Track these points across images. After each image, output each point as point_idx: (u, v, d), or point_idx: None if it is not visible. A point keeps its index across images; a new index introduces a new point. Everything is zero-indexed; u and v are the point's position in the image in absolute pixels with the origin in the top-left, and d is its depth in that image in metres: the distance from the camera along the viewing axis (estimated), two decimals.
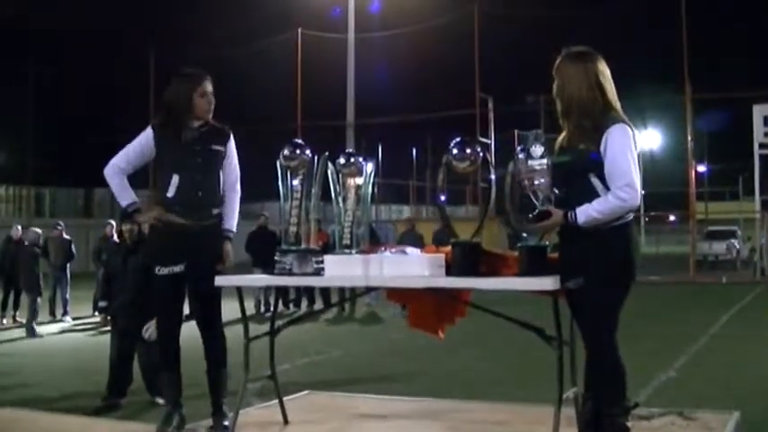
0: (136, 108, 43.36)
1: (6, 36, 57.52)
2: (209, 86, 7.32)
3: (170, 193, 7.21)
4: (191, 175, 7.23)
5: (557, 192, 5.73)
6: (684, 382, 11.04)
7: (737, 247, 44.12)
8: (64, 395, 10.72)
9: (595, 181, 5.60)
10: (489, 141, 39.51)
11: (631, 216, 5.69)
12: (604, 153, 5.56)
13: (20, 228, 20.86)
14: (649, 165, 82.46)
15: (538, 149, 5.86)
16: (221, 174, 7.35)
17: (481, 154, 6.33)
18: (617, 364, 5.83)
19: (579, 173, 5.67)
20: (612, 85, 5.85)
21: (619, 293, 5.71)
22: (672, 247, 60.32)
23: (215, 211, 7.28)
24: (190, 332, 7.45)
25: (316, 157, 7.04)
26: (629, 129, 5.63)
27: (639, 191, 5.55)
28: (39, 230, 20.21)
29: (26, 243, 19.55)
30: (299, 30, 41.40)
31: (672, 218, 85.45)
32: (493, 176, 6.35)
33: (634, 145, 5.63)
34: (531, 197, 5.84)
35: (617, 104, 5.79)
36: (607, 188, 5.56)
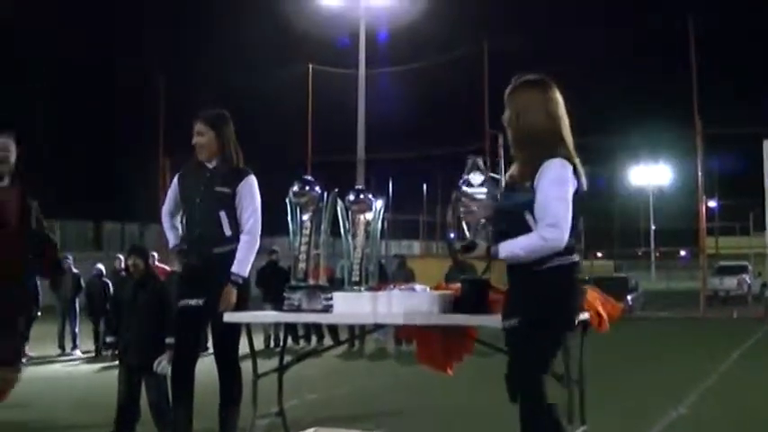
0: (146, 140, 43.55)
1: (14, 66, 57.76)
2: (195, 127, 7.54)
3: (182, 231, 7.67)
4: (192, 215, 7.55)
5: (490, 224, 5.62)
6: (695, 419, 10.97)
7: (749, 282, 44.02)
8: (72, 429, 10.71)
9: (529, 218, 5.37)
10: (499, 177, 39.50)
11: (574, 258, 5.47)
12: (537, 188, 5.33)
13: None
14: (659, 200, 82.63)
15: (477, 177, 5.81)
16: (226, 214, 7.41)
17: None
18: (547, 419, 5.45)
19: (514, 208, 5.49)
20: (566, 115, 5.63)
21: (548, 339, 5.43)
22: (682, 282, 60.17)
23: (216, 250, 7.36)
24: (204, 367, 7.46)
25: (325, 194, 7.06)
26: (566, 164, 5.38)
27: (566, 231, 5.28)
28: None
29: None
30: (310, 65, 41.54)
31: (682, 253, 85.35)
32: None
33: (570, 182, 5.37)
34: (465, 227, 5.79)
35: (569, 137, 5.57)
36: None
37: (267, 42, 57.20)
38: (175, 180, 7.79)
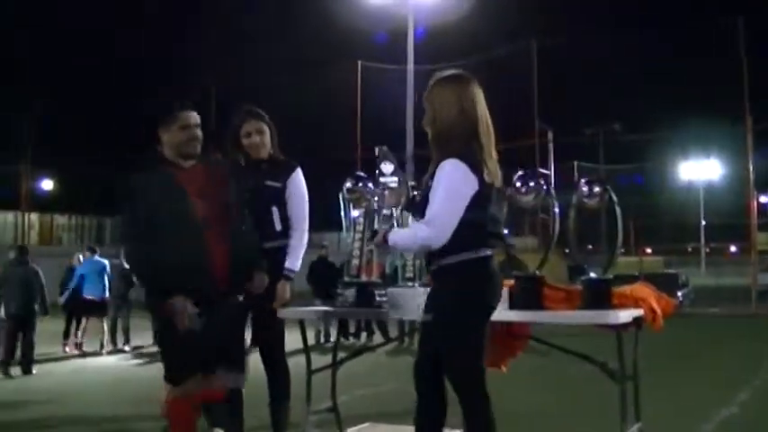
0: None
1: (70, 67, 58.43)
2: (252, 125, 7.44)
3: None
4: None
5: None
6: (747, 417, 10.91)
7: None
8: (123, 424, 10.82)
9: None
10: (549, 173, 39.44)
11: (484, 252, 5.49)
12: (431, 187, 5.46)
13: (80, 257, 21.07)
14: (710, 195, 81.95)
15: (388, 167, 5.86)
16: (277, 209, 7.36)
17: (544, 187, 6.34)
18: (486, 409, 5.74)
19: (421, 206, 5.58)
20: (486, 112, 5.65)
21: (460, 334, 5.49)
22: (732, 278, 59.50)
23: (266, 245, 7.22)
24: (253, 362, 7.49)
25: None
26: (458, 164, 5.39)
27: (440, 230, 5.35)
28: None
29: None
30: (359, 61, 41.59)
31: (732, 249, 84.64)
32: (557, 209, 6.35)
33: (460, 182, 5.40)
34: (375, 215, 5.86)
35: (487, 133, 5.60)
36: None
37: (314, 39, 57.42)
38: None
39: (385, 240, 5.64)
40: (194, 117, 6.62)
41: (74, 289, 20.31)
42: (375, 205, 6.03)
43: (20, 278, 16.91)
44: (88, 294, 20.25)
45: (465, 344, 5.50)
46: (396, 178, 5.94)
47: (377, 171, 6.09)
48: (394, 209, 5.94)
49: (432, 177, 5.49)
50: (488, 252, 5.53)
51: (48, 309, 17.28)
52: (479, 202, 5.44)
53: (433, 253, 5.50)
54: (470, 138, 5.51)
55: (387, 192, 5.91)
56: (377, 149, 6.16)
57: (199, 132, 6.61)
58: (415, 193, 6.04)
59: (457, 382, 5.59)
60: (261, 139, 7.41)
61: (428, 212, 5.37)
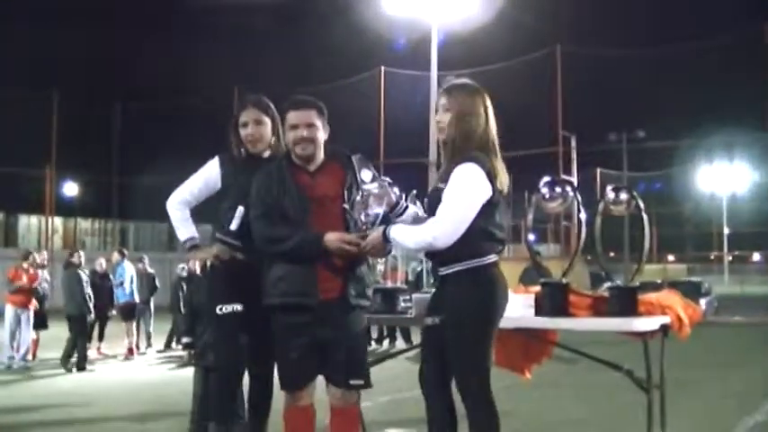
0: (217, 146, 43.61)
1: (94, 72, 58.65)
2: (249, 115, 6.78)
3: (233, 226, 6.65)
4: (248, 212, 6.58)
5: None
6: None
7: None
8: (145, 426, 10.83)
9: None
10: (572, 179, 39.30)
11: (492, 258, 5.50)
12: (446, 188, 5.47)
13: (104, 262, 21.07)
14: (733, 203, 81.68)
15: (367, 174, 5.85)
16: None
17: (571, 194, 6.32)
18: (484, 414, 5.52)
19: (432, 205, 5.59)
20: (494, 122, 5.70)
21: (472, 337, 5.47)
22: (756, 287, 59.27)
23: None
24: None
25: (403, 196, 7.02)
26: (477, 168, 5.42)
27: (449, 230, 5.34)
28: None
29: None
30: (382, 67, 41.58)
31: (757, 257, 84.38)
32: (583, 216, 6.32)
33: (477, 186, 5.41)
34: (358, 220, 5.84)
35: (495, 141, 5.65)
36: None
37: (335, 45, 57.47)
38: (216, 172, 6.95)
39: (385, 238, 5.62)
40: (303, 116, 6.20)
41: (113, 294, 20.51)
42: (358, 213, 5.94)
43: (64, 282, 18.28)
44: (120, 299, 20.54)
45: (473, 349, 5.48)
46: (376, 184, 5.90)
47: (358, 179, 6.03)
48: (381, 211, 5.90)
49: (445, 180, 5.49)
50: (495, 258, 5.55)
51: (92, 309, 18.13)
52: (490, 208, 5.48)
53: (442, 258, 5.51)
54: (486, 145, 5.56)
55: (371, 198, 5.87)
56: (353, 159, 6.10)
57: (307, 133, 6.16)
58: (403, 195, 6.02)
59: (464, 386, 5.52)
60: (257, 130, 6.74)
61: (440, 211, 5.38)
